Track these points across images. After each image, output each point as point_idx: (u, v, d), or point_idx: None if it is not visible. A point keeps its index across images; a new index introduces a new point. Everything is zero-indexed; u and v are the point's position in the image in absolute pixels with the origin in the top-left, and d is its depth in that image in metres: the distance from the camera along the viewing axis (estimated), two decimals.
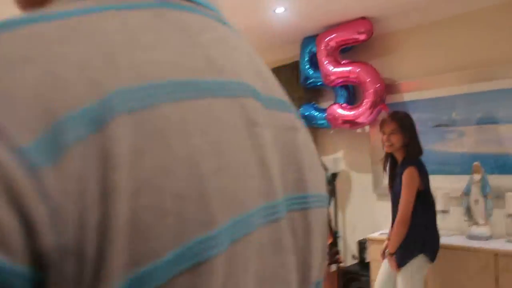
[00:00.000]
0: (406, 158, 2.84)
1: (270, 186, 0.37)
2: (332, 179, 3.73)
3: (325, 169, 3.71)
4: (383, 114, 3.84)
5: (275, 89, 0.45)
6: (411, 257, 2.80)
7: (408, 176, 2.76)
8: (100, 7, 0.31)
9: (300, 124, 0.46)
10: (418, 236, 2.83)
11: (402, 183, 2.76)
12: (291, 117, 0.44)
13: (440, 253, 3.18)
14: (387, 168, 3.00)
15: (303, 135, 0.46)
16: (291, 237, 0.40)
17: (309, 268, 0.43)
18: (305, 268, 0.43)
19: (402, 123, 2.84)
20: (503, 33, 3.37)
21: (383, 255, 2.99)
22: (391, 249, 2.79)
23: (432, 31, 3.72)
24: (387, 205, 3.96)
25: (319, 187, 0.47)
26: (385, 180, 3.96)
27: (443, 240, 3.29)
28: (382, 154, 3.99)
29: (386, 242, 3.02)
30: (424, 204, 2.84)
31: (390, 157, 2.96)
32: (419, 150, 2.89)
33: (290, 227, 0.40)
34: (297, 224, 0.41)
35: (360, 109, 3.85)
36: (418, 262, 2.82)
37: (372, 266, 3.44)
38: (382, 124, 2.91)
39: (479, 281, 3.00)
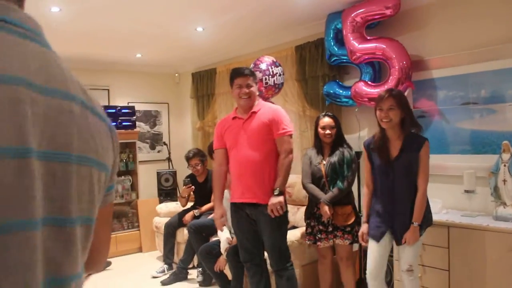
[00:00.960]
0: (410, 132, 2.96)
1: (22, 138, 0.61)
2: (356, 157, 3.68)
3: (349, 147, 3.66)
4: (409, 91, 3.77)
5: (60, 83, 0.70)
6: (425, 228, 2.97)
7: (428, 149, 2.92)
8: None
9: (80, 110, 0.73)
10: (429, 207, 3.00)
11: (421, 156, 2.89)
12: (70, 104, 0.70)
13: (466, 234, 3.13)
14: (377, 143, 3.05)
15: (82, 117, 0.73)
16: (46, 175, 0.65)
17: (66, 205, 0.68)
18: (62, 203, 0.68)
19: (400, 99, 2.93)
20: None
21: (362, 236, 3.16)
22: (419, 220, 2.88)
23: (461, 4, 3.59)
24: None
25: (88, 152, 0.73)
26: None
27: (469, 220, 3.23)
28: None
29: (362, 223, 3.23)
30: None
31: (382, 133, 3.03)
32: (420, 126, 3.02)
33: (46, 168, 0.65)
34: (54, 169, 0.66)
35: (386, 87, 3.77)
36: (425, 233, 3.01)
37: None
38: (379, 100, 2.97)
39: (505, 263, 2.94)
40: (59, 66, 0.73)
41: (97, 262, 0.90)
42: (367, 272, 3.10)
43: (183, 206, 5.26)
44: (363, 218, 3.20)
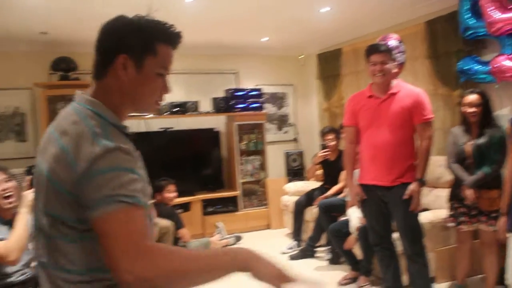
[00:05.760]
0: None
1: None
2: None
3: (499, 127, 3.38)
4: None
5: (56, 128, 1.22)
6: None
7: None
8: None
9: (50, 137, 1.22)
10: None
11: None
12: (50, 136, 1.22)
13: None
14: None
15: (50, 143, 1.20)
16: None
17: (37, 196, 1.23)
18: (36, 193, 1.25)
19: None
20: None
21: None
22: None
23: None
24: None
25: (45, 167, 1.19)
26: None
27: None
28: None
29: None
30: None
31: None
32: None
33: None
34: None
35: None
36: None
37: None
38: None
39: None
40: (66, 122, 1.18)
41: (107, 261, 1.05)
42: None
43: (311, 177, 5.33)
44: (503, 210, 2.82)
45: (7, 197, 2.59)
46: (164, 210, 4.65)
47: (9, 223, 2.58)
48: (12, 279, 2.60)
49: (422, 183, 3.10)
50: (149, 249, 1.05)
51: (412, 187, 3.09)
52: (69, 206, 1.12)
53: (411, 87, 3.30)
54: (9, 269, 2.58)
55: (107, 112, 1.20)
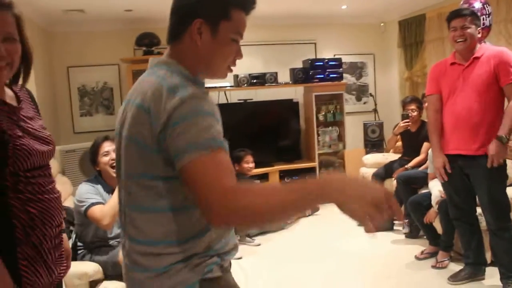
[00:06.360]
0: None
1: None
2: None
3: None
4: None
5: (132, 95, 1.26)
6: None
7: None
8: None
9: (129, 105, 1.25)
10: None
11: None
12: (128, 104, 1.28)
13: None
14: None
15: (129, 109, 1.25)
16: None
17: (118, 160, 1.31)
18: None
19: None
20: None
21: None
22: None
23: None
24: None
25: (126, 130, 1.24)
26: None
27: None
28: None
29: None
30: None
31: None
32: None
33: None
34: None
35: None
36: None
37: None
38: None
39: None
40: (141, 86, 1.22)
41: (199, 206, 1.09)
42: None
43: (391, 148, 5.19)
44: None
45: (114, 167, 2.81)
46: (242, 180, 4.78)
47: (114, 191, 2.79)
48: (111, 242, 2.83)
49: (500, 140, 2.90)
50: (237, 189, 1.05)
51: (490, 146, 2.93)
52: (151, 162, 1.15)
53: (494, 47, 3.11)
54: (109, 233, 2.81)
55: (182, 69, 1.23)
